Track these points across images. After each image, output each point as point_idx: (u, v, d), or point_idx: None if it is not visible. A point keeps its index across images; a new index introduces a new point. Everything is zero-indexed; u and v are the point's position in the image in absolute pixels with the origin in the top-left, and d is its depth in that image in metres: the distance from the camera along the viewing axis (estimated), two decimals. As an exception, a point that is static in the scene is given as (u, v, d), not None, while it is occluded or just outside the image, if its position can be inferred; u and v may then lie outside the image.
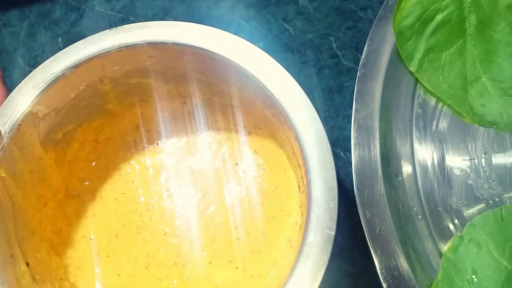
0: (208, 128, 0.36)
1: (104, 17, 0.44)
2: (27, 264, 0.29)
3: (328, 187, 0.25)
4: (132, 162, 0.36)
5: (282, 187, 0.34)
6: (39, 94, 0.29)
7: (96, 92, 0.32)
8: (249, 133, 0.35)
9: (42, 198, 0.32)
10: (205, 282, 0.33)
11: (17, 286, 0.28)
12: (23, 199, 0.30)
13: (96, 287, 0.33)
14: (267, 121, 0.32)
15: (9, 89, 0.30)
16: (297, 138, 0.26)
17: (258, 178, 0.35)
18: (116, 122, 0.36)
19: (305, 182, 0.26)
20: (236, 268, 0.33)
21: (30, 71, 0.30)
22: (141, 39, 0.29)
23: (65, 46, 0.30)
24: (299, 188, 0.33)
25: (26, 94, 0.29)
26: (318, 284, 0.24)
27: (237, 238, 0.33)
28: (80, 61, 0.29)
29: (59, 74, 0.29)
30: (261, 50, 0.28)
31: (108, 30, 0.30)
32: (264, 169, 0.35)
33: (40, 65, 0.30)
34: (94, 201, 0.35)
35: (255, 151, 0.35)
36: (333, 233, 0.24)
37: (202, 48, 0.29)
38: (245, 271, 0.32)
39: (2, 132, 0.28)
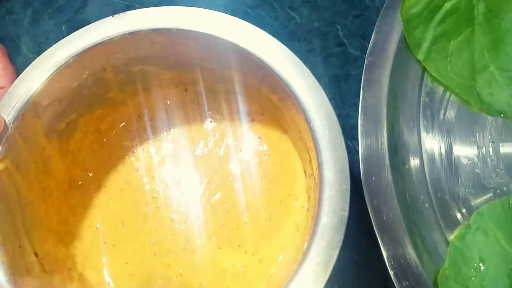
0: (212, 115, 0.36)
1: (108, 5, 0.44)
2: (36, 255, 0.29)
3: (340, 168, 0.25)
4: (135, 151, 0.36)
5: (287, 172, 0.34)
6: (42, 83, 0.29)
7: (98, 81, 0.32)
8: (253, 120, 0.35)
9: (47, 189, 0.32)
10: (215, 267, 0.33)
11: (27, 276, 0.27)
12: (28, 190, 0.30)
13: (104, 275, 0.33)
14: (272, 106, 0.32)
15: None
16: (307, 121, 0.26)
17: (262, 164, 0.34)
18: (118, 111, 0.36)
19: (315, 165, 0.26)
20: (245, 252, 0.33)
21: (34, 59, 0.29)
22: (145, 26, 0.29)
23: (69, 33, 0.29)
24: (305, 172, 0.33)
25: (30, 83, 0.29)
26: (333, 262, 0.24)
27: (245, 223, 0.33)
28: (83, 49, 0.29)
29: (62, 63, 0.29)
30: (267, 34, 0.28)
31: (111, 17, 0.29)
32: (268, 154, 0.35)
33: (44, 53, 0.29)
34: (99, 191, 0.35)
35: (259, 137, 0.35)
36: (346, 214, 0.24)
37: (207, 34, 0.28)
38: (254, 255, 0.32)
39: (7, 122, 0.28)
